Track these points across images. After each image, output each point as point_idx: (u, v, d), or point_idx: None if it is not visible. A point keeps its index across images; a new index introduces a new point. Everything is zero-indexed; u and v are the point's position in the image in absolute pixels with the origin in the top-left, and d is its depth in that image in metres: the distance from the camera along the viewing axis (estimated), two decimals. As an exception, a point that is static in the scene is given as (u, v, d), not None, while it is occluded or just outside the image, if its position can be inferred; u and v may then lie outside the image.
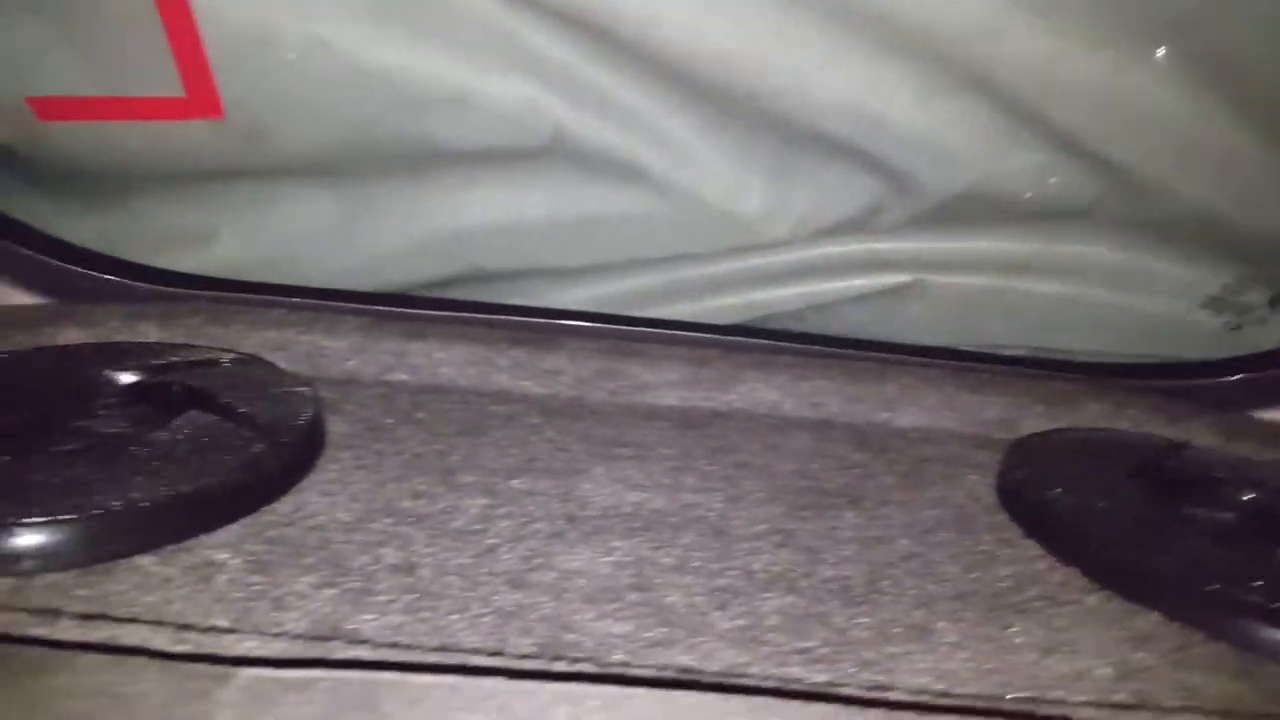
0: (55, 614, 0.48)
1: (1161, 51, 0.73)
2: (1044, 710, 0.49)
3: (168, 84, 0.76)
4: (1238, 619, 0.55)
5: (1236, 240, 0.84)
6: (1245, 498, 0.74)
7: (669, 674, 0.48)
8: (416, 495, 0.66)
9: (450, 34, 0.75)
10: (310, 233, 0.89)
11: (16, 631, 0.45)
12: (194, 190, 0.86)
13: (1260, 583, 0.56)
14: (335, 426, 0.75)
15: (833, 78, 0.75)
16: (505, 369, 0.88)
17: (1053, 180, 0.81)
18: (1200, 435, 0.87)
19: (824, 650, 0.52)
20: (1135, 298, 0.91)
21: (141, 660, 0.39)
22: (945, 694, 0.49)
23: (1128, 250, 0.89)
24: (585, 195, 0.86)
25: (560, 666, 0.48)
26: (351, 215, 0.88)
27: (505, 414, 0.81)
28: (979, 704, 0.49)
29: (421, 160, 0.83)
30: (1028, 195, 0.82)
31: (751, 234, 0.87)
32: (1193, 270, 0.89)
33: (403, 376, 0.87)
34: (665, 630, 0.53)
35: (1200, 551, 0.60)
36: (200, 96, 0.76)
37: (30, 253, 0.85)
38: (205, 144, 0.80)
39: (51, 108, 0.77)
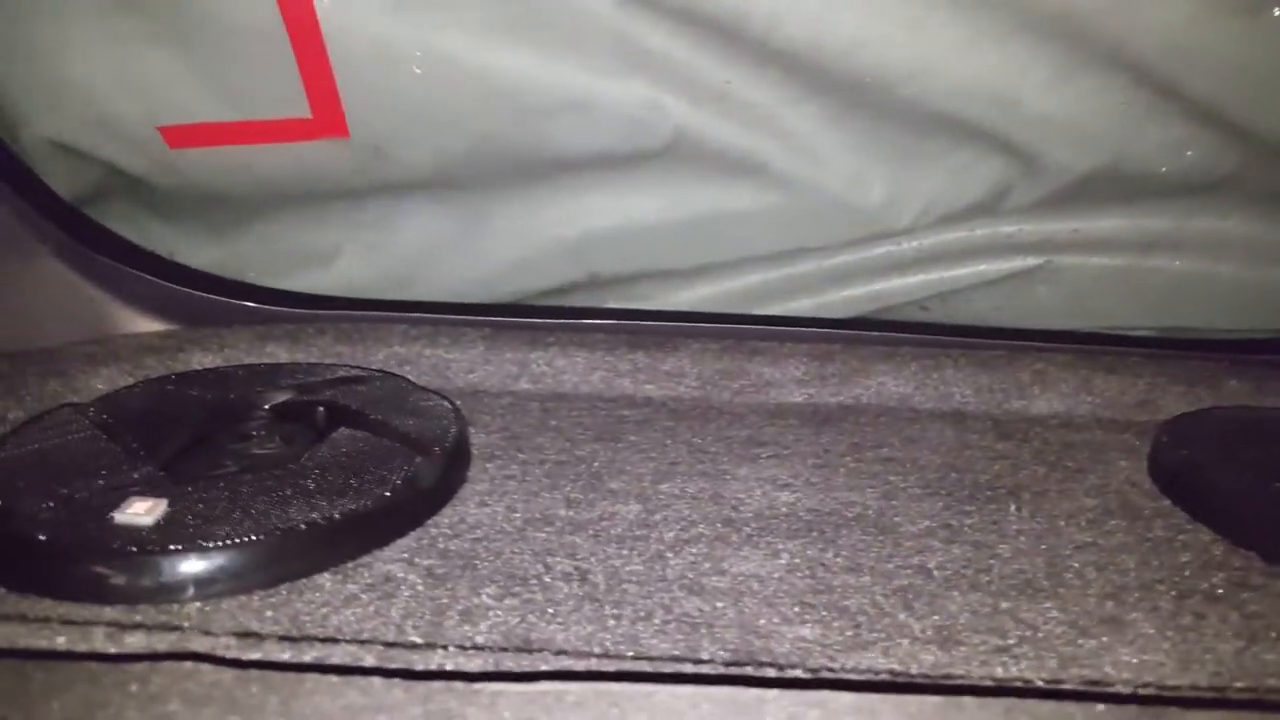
0: (256, 637, 0.48)
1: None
2: (1271, 699, 0.47)
3: (295, 106, 0.76)
4: None
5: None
6: None
7: (881, 677, 0.47)
8: (571, 503, 0.65)
9: (571, 40, 0.74)
10: (428, 247, 0.89)
11: (220, 653, 0.46)
12: (316, 211, 0.87)
13: None
14: (474, 437, 0.75)
15: (965, 61, 0.73)
16: (627, 373, 0.87)
17: (1189, 154, 0.78)
18: (1349, 408, 0.83)
19: (1024, 648, 0.51)
20: (1269, 271, 0.88)
21: (379, 680, 0.39)
22: (1164, 686, 0.48)
23: (1263, 221, 0.85)
24: (702, 194, 0.85)
25: (765, 672, 0.47)
26: (468, 228, 0.88)
27: (637, 419, 0.81)
28: (1201, 695, 0.47)
29: (539, 168, 0.83)
30: (1163, 170, 0.79)
31: (874, 224, 0.85)
32: (1332, 239, 0.85)
33: (527, 385, 0.87)
34: (855, 632, 0.52)
35: None
36: (327, 116, 0.77)
37: (158, 280, 0.86)
38: (329, 164, 0.81)
39: (182, 135, 0.78)
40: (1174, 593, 0.56)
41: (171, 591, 0.51)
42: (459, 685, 0.39)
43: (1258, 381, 0.86)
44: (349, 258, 0.89)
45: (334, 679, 0.39)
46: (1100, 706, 0.42)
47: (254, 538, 0.54)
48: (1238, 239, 0.87)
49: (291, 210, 0.87)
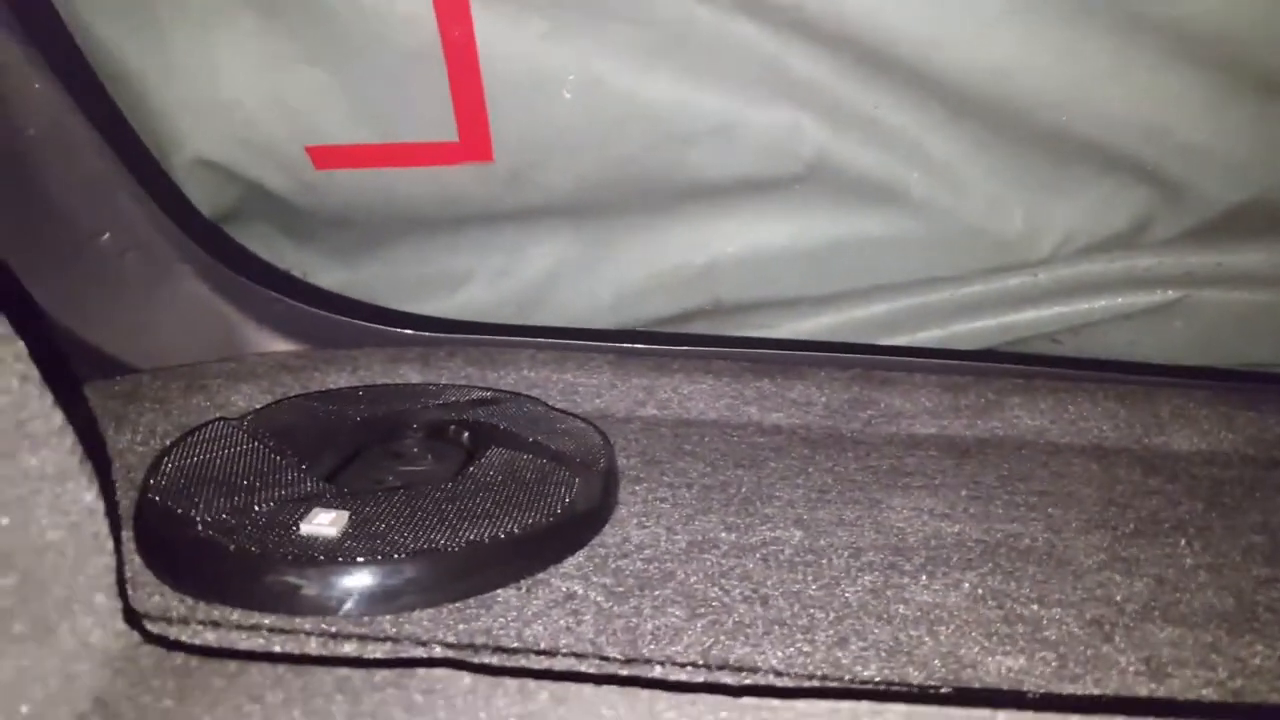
0: (473, 648, 0.48)
1: None
2: None
3: (443, 129, 0.77)
4: None
5: None
6: None
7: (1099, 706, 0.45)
8: (729, 527, 0.64)
9: (717, 64, 0.74)
10: (556, 272, 0.89)
11: (466, 659, 0.45)
12: (448, 234, 0.87)
13: None
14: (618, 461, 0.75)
15: (1117, 88, 0.73)
16: (753, 401, 0.86)
17: (1343, 185, 0.77)
18: None
19: (1237, 682, 0.49)
20: None
21: (609, 688, 0.38)
22: None
23: None
24: (835, 221, 0.85)
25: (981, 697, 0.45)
26: (597, 254, 0.88)
27: (773, 445, 0.80)
28: None
29: (672, 195, 0.83)
30: (1314, 202, 0.78)
31: (1011, 254, 0.84)
32: None
33: (654, 411, 0.86)
34: (1060, 663, 0.50)
35: None
36: (473, 140, 0.78)
37: (290, 300, 0.87)
38: (469, 188, 0.81)
39: (329, 156, 0.80)
40: None
41: (362, 602, 0.51)
42: (722, 699, 0.38)
43: None
44: (477, 283, 0.90)
45: (576, 686, 0.38)
46: None
47: (441, 550, 0.53)
48: (1383, 275, 0.85)
49: (423, 234, 0.87)
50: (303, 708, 0.38)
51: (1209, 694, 0.48)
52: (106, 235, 0.79)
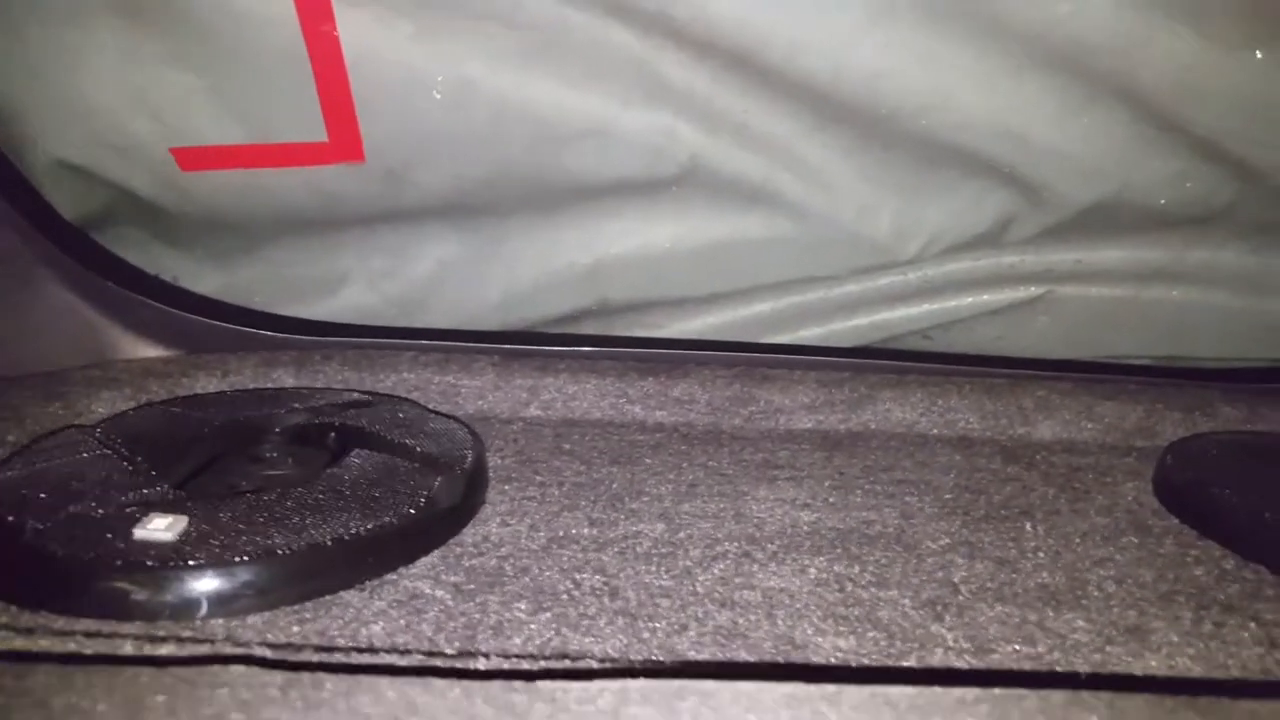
0: (292, 646, 0.47)
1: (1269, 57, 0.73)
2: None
3: (312, 129, 0.77)
4: None
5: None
6: None
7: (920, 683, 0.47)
8: (594, 522, 0.65)
9: (591, 68, 0.75)
10: (440, 274, 0.89)
11: (265, 657, 0.45)
12: (327, 236, 0.86)
13: None
14: (489, 460, 0.75)
15: (978, 95, 0.75)
16: (638, 400, 0.87)
17: (1189, 186, 0.81)
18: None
19: (1055, 655, 0.51)
20: (1265, 301, 0.91)
21: (438, 680, 0.38)
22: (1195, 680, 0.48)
23: (1258, 254, 0.88)
24: (715, 222, 0.86)
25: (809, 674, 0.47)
26: (482, 255, 0.88)
27: (651, 443, 0.81)
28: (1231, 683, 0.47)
29: (555, 196, 0.83)
30: (1162, 202, 0.82)
31: (882, 254, 0.87)
32: (1323, 270, 0.88)
33: (537, 412, 0.86)
34: (889, 643, 0.52)
35: None
36: (343, 140, 0.77)
37: (161, 305, 0.85)
38: (343, 189, 0.81)
39: (195, 158, 0.78)
40: (1193, 604, 0.58)
41: (192, 607, 0.50)
42: (518, 684, 0.38)
43: (1251, 408, 0.89)
44: (359, 284, 0.89)
45: (388, 680, 0.38)
46: (1135, 699, 0.42)
47: (280, 553, 0.52)
48: (1233, 270, 0.89)
49: (301, 236, 0.86)
50: (94, 706, 0.37)
51: (1025, 666, 0.50)
52: (-41, 240, 0.77)
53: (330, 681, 0.39)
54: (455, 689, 0.38)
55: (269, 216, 0.84)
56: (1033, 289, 0.89)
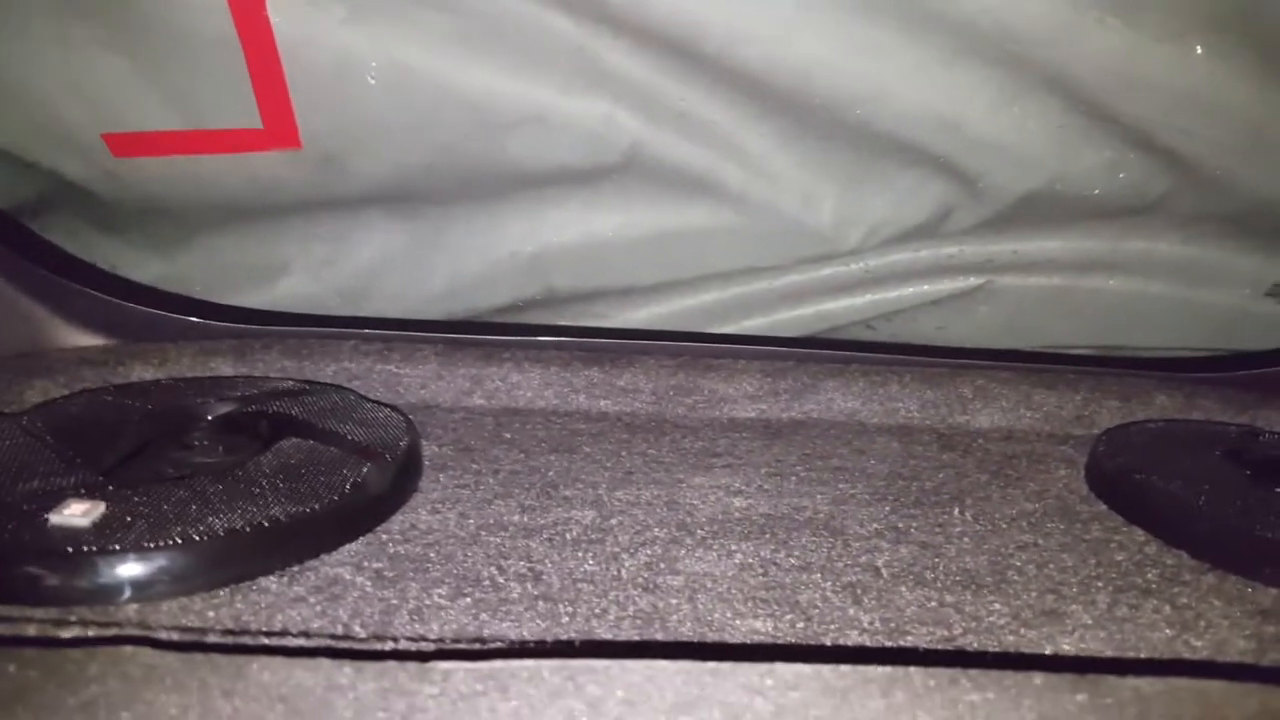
0: (198, 630, 0.47)
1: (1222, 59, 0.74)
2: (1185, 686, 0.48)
3: (246, 116, 0.76)
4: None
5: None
6: None
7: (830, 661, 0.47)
8: (525, 509, 0.65)
9: (530, 55, 0.75)
10: (383, 262, 0.88)
11: (160, 638, 0.44)
12: (267, 224, 0.85)
13: None
14: (427, 449, 0.75)
15: (912, 85, 0.76)
16: (583, 389, 0.87)
17: (1122, 176, 0.82)
18: (1272, 422, 0.87)
19: (968, 638, 0.52)
20: (1200, 291, 0.92)
21: (327, 661, 0.38)
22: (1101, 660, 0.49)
23: (1192, 244, 0.89)
24: (659, 211, 0.86)
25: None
26: (425, 243, 0.87)
27: (593, 431, 0.81)
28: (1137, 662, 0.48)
29: (497, 183, 0.83)
30: (1096, 192, 0.83)
31: (824, 244, 0.87)
32: (1256, 260, 0.89)
33: (480, 401, 0.86)
34: (806, 625, 0.52)
35: None
36: (279, 127, 0.76)
37: (98, 294, 0.84)
38: (280, 176, 0.80)
39: (127, 144, 0.77)
40: (1110, 588, 0.58)
41: (109, 593, 0.49)
42: (411, 665, 0.38)
43: (1187, 397, 0.90)
44: (300, 273, 0.88)
45: (280, 660, 0.38)
46: (1038, 678, 0.43)
47: (196, 539, 0.52)
48: (1168, 261, 0.91)
49: (240, 223, 0.85)
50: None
51: (939, 648, 0.51)
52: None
53: (226, 663, 0.39)
54: (347, 668, 0.38)
55: (207, 204, 0.83)
56: (972, 279, 0.90)
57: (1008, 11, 0.73)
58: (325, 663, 0.38)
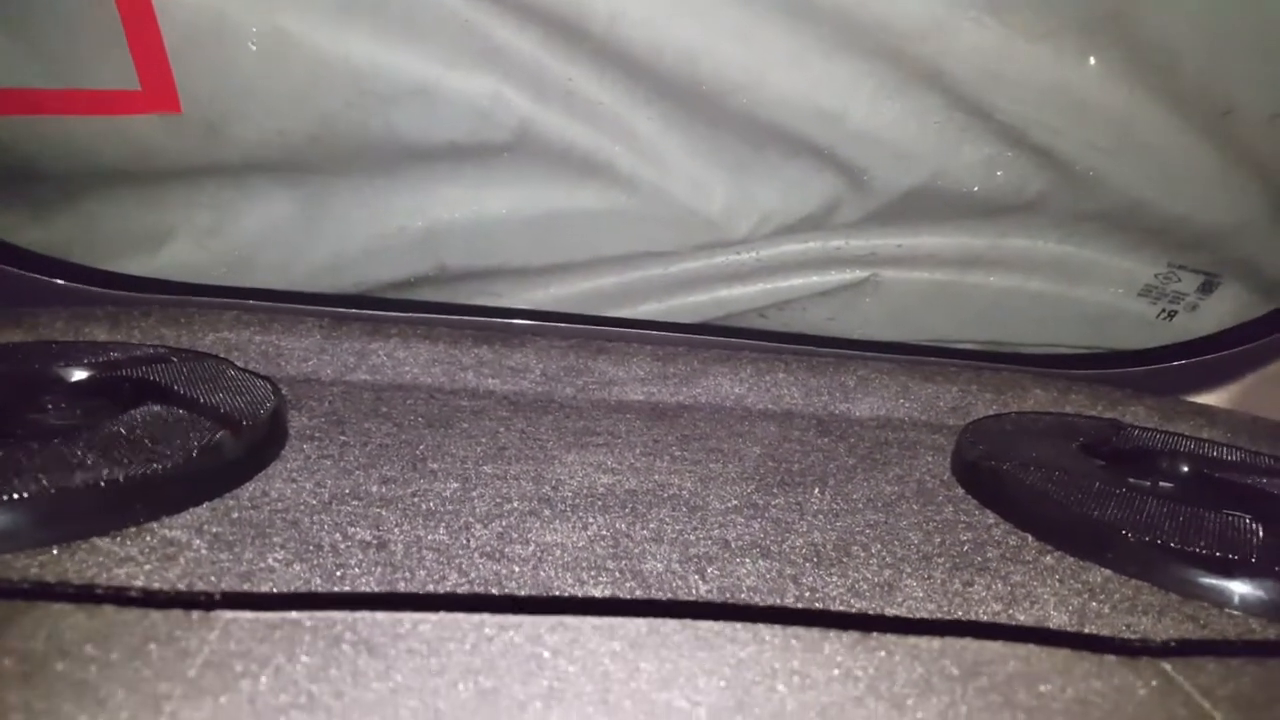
0: (8, 581, 0.46)
1: (1092, 60, 0.77)
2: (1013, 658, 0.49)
3: (123, 77, 0.74)
4: (1183, 571, 0.58)
5: (1166, 229, 0.88)
6: (1183, 470, 0.78)
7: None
8: (385, 481, 0.65)
9: (414, 27, 0.74)
10: (269, 233, 0.87)
11: None
12: (147, 190, 0.84)
13: (1201, 540, 0.59)
14: (297, 421, 0.74)
15: (792, 74, 0.77)
16: (470, 367, 0.87)
17: (999, 174, 0.84)
18: (1139, 418, 0.91)
19: (799, 607, 0.53)
20: (1077, 289, 0.95)
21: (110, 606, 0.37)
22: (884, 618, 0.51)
23: (1070, 243, 0.92)
24: (551, 191, 0.86)
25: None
26: (312, 214, 0.86)
27: (473, 408, 0.81)
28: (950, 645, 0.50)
29: (385, 157, 0.83)
30: (976, 189, 0.85)
31: (715, 231, 0.88)
32: (1129, 260, 0.93)
33: (364, 376, 0.86)
34: (644, 592, 0.53)
35: (1145, 515, 0.62)
36: (157, 90, 0.75)
37: (-31, 256, 0.82)
38: (160, 141, 0.78)
39: (-3, 101, 0.75)
40: (949, 565, 0.60)
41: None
42: (195, 613, 0.38)
43: (1061, 392, 0.93)
44: (184, 240, 0.86)
45: (59, 606, 0.38)
46: (816, 632, 0.43)
47: (23, 495, 0.51)
48: (1047, 259, 0.93)
49: (121, 189, 0.83)
50: None
51: (767, 615, 0.52)
52: None
53: (13, 614, 0.39)
54: (127, 615, 0.37)
55: (85, 168, 0.81)
56: (859, 272, 0.92)
57: (884, 5, 0.74)
58: (109, 609, 0.37)
